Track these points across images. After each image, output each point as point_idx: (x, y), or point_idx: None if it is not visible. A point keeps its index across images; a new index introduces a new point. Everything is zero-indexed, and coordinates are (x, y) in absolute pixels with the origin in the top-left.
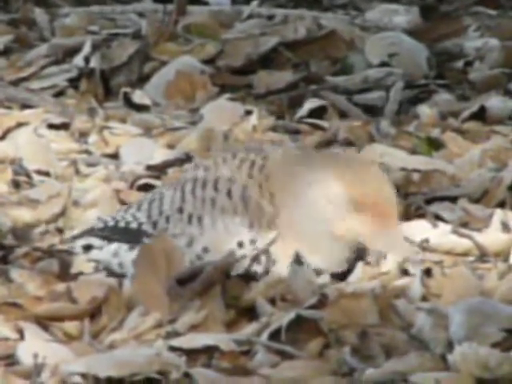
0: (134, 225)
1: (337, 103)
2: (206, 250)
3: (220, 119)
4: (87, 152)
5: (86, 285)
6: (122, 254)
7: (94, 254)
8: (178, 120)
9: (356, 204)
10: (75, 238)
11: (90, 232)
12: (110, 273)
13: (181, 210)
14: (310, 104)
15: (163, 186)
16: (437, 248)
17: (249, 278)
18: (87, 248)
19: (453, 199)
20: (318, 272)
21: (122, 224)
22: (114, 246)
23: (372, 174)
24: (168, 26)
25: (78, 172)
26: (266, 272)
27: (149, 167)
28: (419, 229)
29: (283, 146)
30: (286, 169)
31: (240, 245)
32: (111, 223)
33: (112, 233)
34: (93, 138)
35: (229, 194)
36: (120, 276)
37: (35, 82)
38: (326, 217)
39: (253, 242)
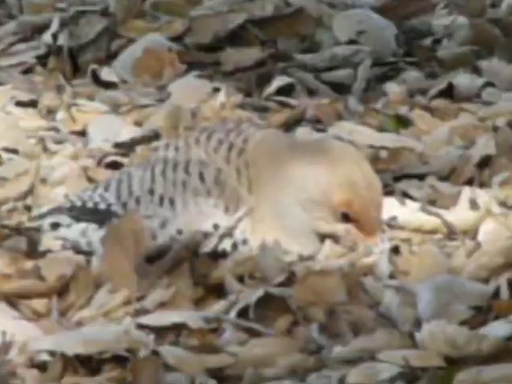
0: (102, 206)
1: (305, 81)
2: (180, 231)
3: (188, 96)
4: (55, 129)
5: (54, 262)
6: (90, 234)
7: (62, 232)
8: (146, 97)
9: (339, 212)
10: (42, 216)
11: (58, 211)
12: (78, 251)
13: (151, 192)
14: (277, 81)
15: (130, 166)
16: (405, 225)
17: (217, 255)
18: (55, 226)
19: (421, 177)
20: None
21: (90, 204)
22: (82, 225)
23: (359, 171)
24: (136, 3)
25: (45, 149)
26: (235, 250)
27: (116, 144)
28: (387, 206)
29: (263, 129)
30: (269, 158)
31: (215, 227)
32: (78, 203)
33: (80, 213)
34: (60, 115)
35: (201, 177)
36: (88, 254)
37: (3, 59)
38: (309, 214)
39: (229, 225)
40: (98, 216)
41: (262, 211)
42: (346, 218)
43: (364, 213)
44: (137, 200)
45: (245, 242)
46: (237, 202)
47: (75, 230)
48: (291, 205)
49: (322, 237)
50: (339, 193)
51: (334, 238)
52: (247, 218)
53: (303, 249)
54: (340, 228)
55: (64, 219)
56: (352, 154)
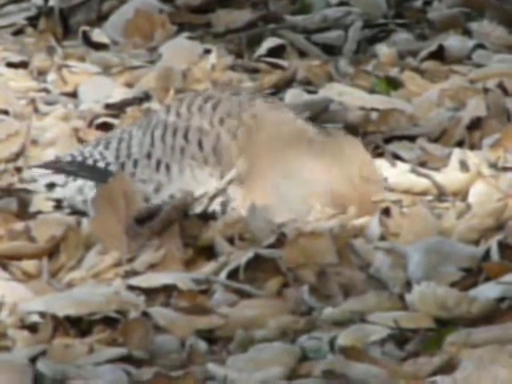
0: (101, 164)
1: (295, 42)
2: (172, 197)
3: (179, 58)
4: (46, 90)
5: (44, 223)
6: (87, 192)
7: (58, 191)
8: (137, 59)
9: (337, 200)
10: (41, 167)
11: (57, 163)
12: (73, 210)
13: (149, 156)
14: (268, 43)
15: (133, 124)
16: (395, 187)
17: (207, 217)
18: (50, 186)
19: (411, 138)
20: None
21: (89, 161)
22: (79, 182)
23: (359, 165)
24: None
25: (36, 110)
26: (224, 211)
27: (107, 106)
28: (378, 168)
29: (272, 104)
30: (274, 143)
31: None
32: (79, 158)
33: (79, 168)
34: (51, 76)
35: (200, 144)
36: (80, 214)
37: None
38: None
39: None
40: (96, 174)
41: (255, 185)
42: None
43: (358, 204)
44: (134, 162)
45: (232, 205)
46: (231, 170)
47: (71, 188)
48: (288, 190)
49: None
50: (337, 187)
51: None
52: (238, 184)
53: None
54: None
55: (59, 179)
56: (356, 150)
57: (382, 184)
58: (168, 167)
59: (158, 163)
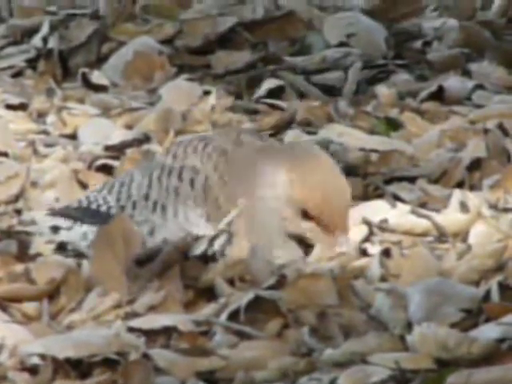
0: (103, 208)
1: (295, 83)
2: (166, 240)
3: (178, 99)
4: (45, 132)
5: (44, 266)
6: (91, 237)
7: (62, 234)
8: (136, 100)
9: (304, 212)
10: (50, 214)
11: (65, 210)
12: (78, 254)
13: (147, 197)
14: (268, 84)
15: (136, 167)
16: (395, 228)
17: (207, 258)
18: (55, 229)
19: (411, 179)
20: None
21: (93, 206)
22: (84, 228)
23: (326, 177)
24: (126, 6)
25: (36, 152)
26: (225, 253)
27: (107, 147)
28: (378, 209)
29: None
30: (242, 162)
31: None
32: (85, 204)
33: (84, 214)
34: (51, 118)
35: (192, 183)
36: (80, 256)
37: None
38: (277, 215)
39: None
40: (99, 218)
41: (238, 224)
42: (306, 216)
43: (323, 211)
44: (133, 204)
45: (232, 246)
46: (217, 211)
47: (76, 233)
48: (262, 209)
49: (298, 242)
50: (297, 190)
51: (302, 238)
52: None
53: (279, 254)
54: (304, 227)
55: (64, 222)
56: (315, 155)
57: (349, 195)
58: (164, 208)
59: (155, 204)
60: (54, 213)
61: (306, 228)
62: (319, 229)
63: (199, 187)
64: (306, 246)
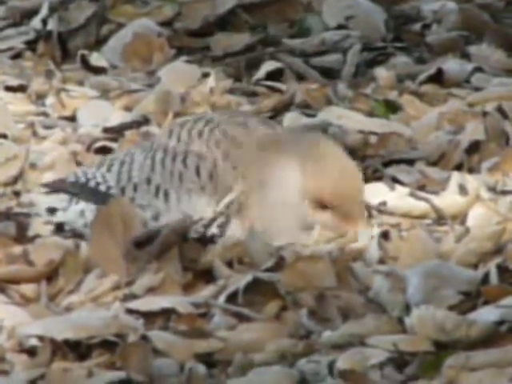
0: (102, 187)
1: (294, 66)
2: (164, 224)
3: (177, 82)
4: (44, 114)
5: (42, 247)
6: (88, 215)
7: (59, 215)
8: (135, 82)
9: (318, 203)
10: (44, 186)
11: (61, 184)
12: (71, 234)
13: (149, 181)
14: (267, 66)
15: (136, 146)
16: (394, 211)
17: (206, 240)
18: (51, 210)
19: (410, 162)
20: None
21: (92, 184)
22: (81, 206)
23: (339, 168)
24: None
25: (35, 134)
26: (223, 235)
27: (106, 129)
28: (376, 191)
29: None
30: (256, 154)
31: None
32: (82, 179)
33: (81, 191)
34: (50, 100)
35: (197, 171)
36: (78, 237)
37: None
38: (291, 206)
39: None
40: (98, 197)
41: (251, 209)
42: (322, 206)
43: (338, 199)
44: (134, 187)
45: (231, 228)
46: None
47: (73, 212)
48: (277, 201)
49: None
50: (311, 180)
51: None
52: (236, 206)
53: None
54: (321, 217)
55: (60, 202)
56: (324, 144)
57: (361, 181)
58: (166, 194)
59: (157, 189)
60: (50, 185)
61: (323, 219)
62: (336, 219)
63: (205, 176)
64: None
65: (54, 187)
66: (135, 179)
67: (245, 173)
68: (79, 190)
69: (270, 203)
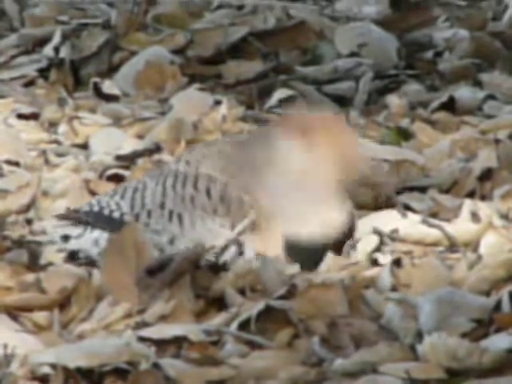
0: (116, 214)
1: (306, 93)
2: (176, 251)
3: (189, 109)
4: (57, 142)
5: (55, 275)
6: (102, 243)
7: (73, 243)
8: (148, 110)
9: (309, 145)
10: (59, 217)
11: (75, 214)
12: (83, 262)
13: (162, 206)
14: (279, 94)
15: (148, 174)
16: (406, 238)
17: (218, 268)
18: (65, 238)
19: (422, 189)
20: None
21: (106, 211)
22: (95, 234)
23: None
24: (138, 15)
25: (47, 162)
26: (236, 262)
27: (118, 157)
28: (389, 219)
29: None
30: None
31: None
32: (96, 208)
33: (95, 219)
34: (62, 128)
35: (208, 193)
36: (91, 265)
37: (5, 72)
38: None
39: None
40: (112, 225)
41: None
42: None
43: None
44: (148, 213)
45: (244, 255)
46: (242, 215)
47: (87, 240)
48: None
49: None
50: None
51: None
52: (249, 232)
53: (313, 222)
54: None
55: (74, 230)
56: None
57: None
58: (180, 218)
59: (171, 214)
60: (64, 216)
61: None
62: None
63: (216, 197)
64: None
65: (68, 217)
66: (148, 205)
67: (245, 178)
68: (93, 218)
69: (279, 189)
